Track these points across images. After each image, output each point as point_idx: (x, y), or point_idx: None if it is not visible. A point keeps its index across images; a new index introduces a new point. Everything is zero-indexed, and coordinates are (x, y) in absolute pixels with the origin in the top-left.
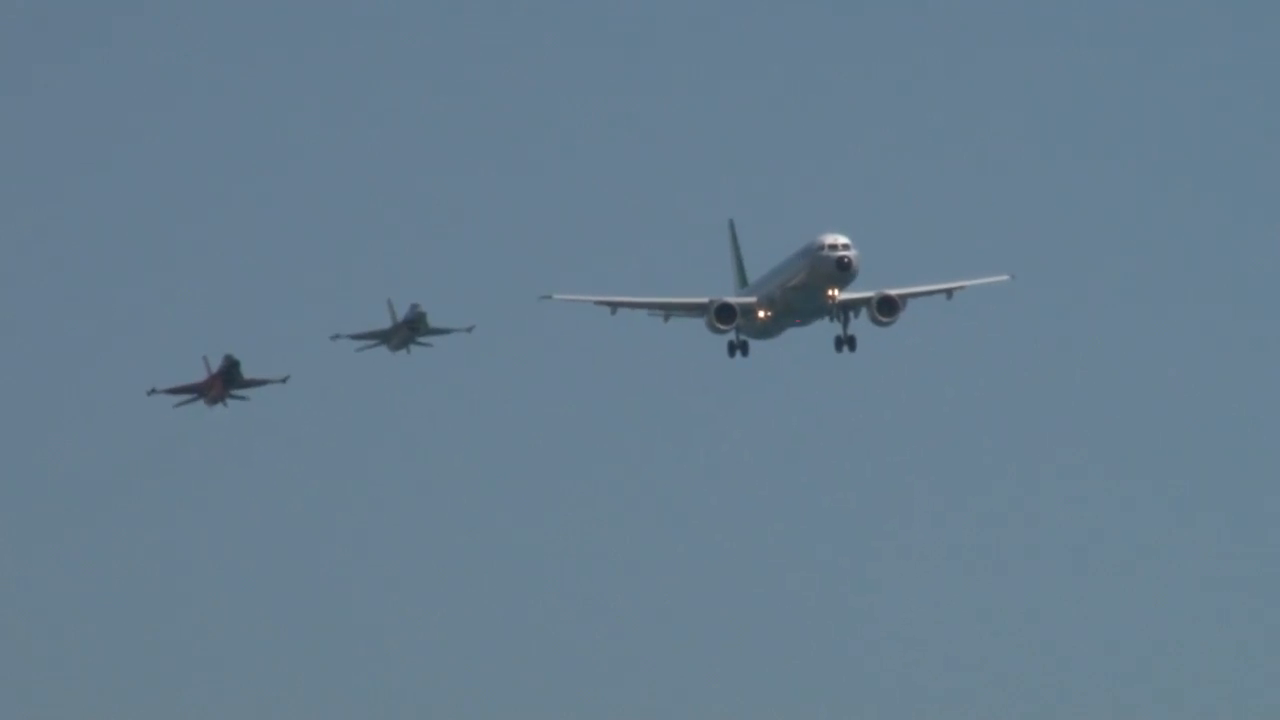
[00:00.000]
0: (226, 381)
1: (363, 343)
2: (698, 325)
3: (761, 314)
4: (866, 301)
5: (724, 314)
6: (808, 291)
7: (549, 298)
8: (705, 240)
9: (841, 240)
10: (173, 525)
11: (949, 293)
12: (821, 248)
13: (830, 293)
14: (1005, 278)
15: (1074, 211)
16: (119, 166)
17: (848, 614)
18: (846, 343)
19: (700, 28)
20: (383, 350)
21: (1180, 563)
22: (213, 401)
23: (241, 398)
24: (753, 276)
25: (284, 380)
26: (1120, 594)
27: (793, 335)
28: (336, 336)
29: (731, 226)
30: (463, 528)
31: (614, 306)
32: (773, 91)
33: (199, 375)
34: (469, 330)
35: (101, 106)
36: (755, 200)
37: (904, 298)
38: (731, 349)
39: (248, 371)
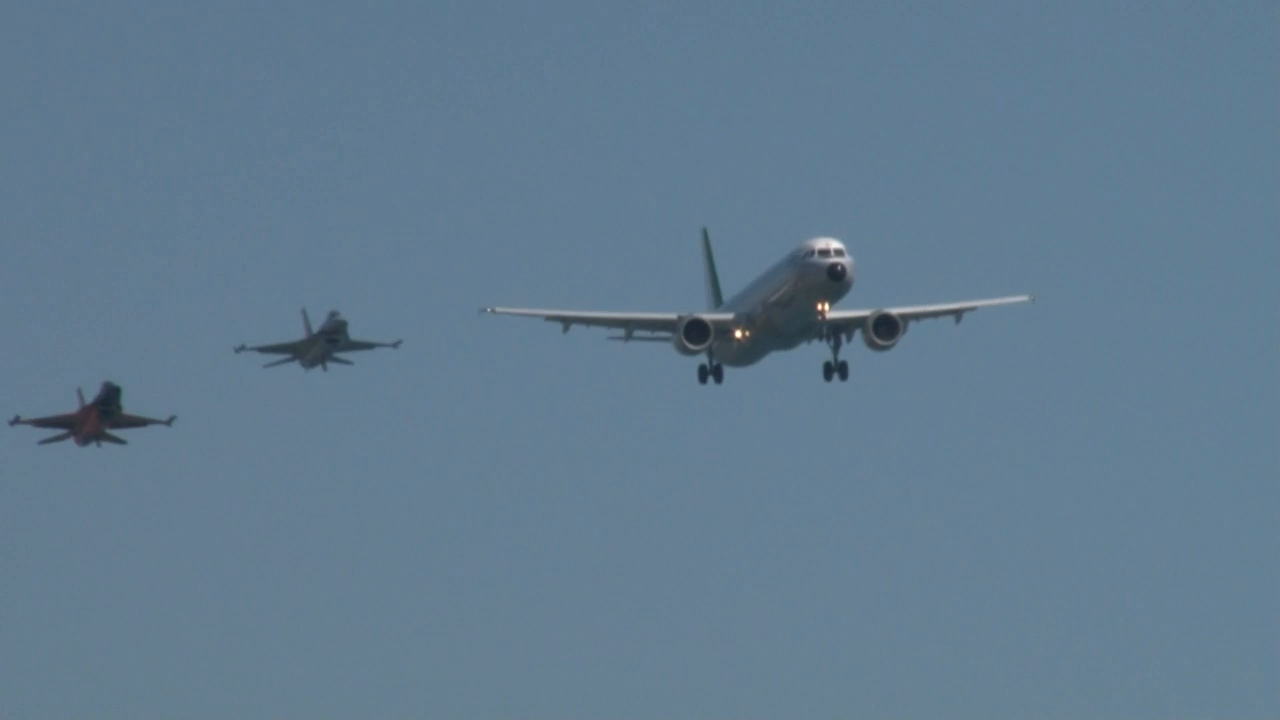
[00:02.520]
0: (103, 413)
1: (272, 357)
2: (664, 347)
3: (739, 334)
4: (861, 321)
5: (695, 332)
6: (794, 306)
7: (490, 310)
8: (675, 251)
9: (834, 245)
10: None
11: (958, 314)
12: (810, 253)
13: (820, 307)
14: (1024, 299)
15: (1103, 226)
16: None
17: (823, 661)
18: (837, 370)
19: (682, 12)
20: (295, 366)
21: (1200, 619)
22: (85, 440)
23: (118, 440)
24: (729, 292)
25: (169, 422)
26: (1134, 660)
27: (774, 360)
28: (242, 348)
29: (705, 236)
30: (380, 573)
31: (566, 322)
32: (759, 85)
33: (70, 406)
34: (395, 345)
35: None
36: (734, 206)
37: (905, 318)
38: (703, 374)
39: (132, 404)
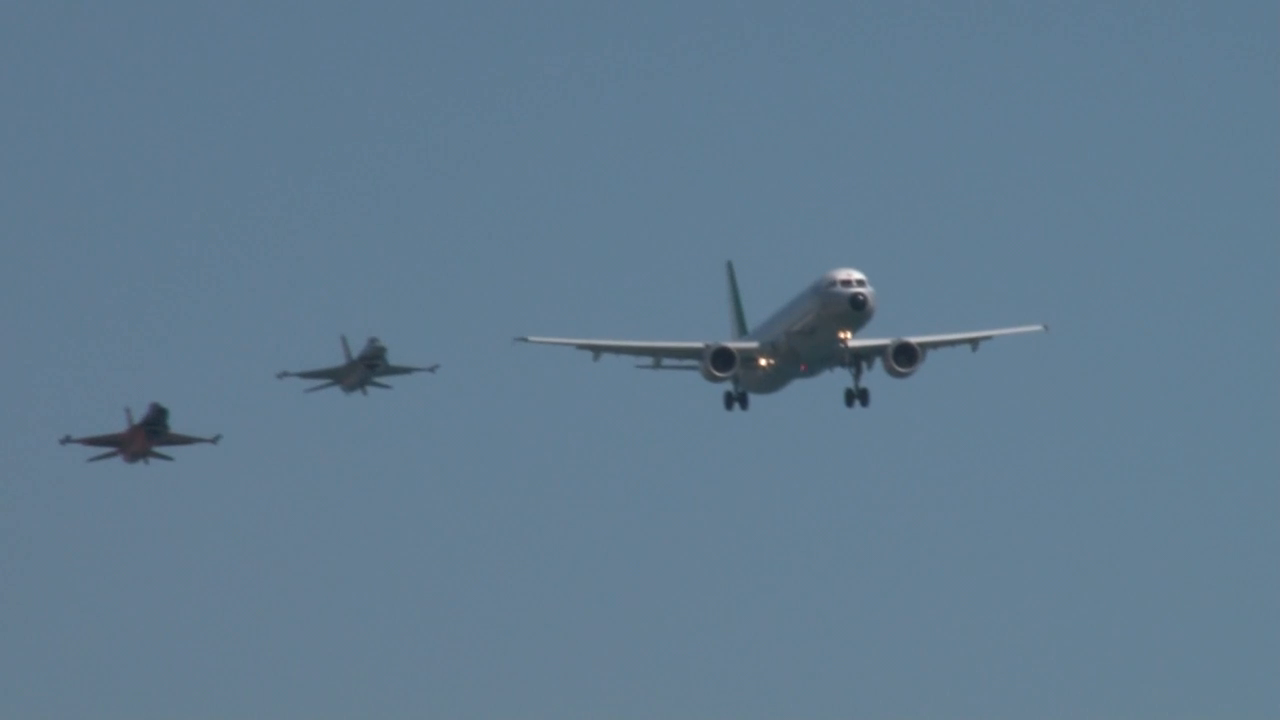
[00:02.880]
0: (151, 433)
1: (314, 382)
2: (690, 376)
3: (764, 361)
4: (882, 350)
5: (721, 360)
6: (817, 335)
7: (524, 340)
8: (701, 284)
9: (855, 275)
10: (76, 601)
11: (974, 343)
12: (833, 284)
13: (842, 335)
14: (1038, 328)
15: (1116, 256)
16: (46, 196)
17: (846, 683)
18: (858, 396)
19: (707, 46)
20: (336, 391)
21: (1213, 643)
22: (133, 457)
23: (166, 457)
24: (753, 323)
25: (215, 440)
26: (1148, 668)
27: (798, 387)
28: (284, 374)
29: (730, 269)
30: (415, 591)
31: (597, 351)
32: (781, 123)
33: (120, 426)
34: (432, 370)
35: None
36: (757, 240)
37: (924, 347)
38: (729, 401)
39: (178, 424)
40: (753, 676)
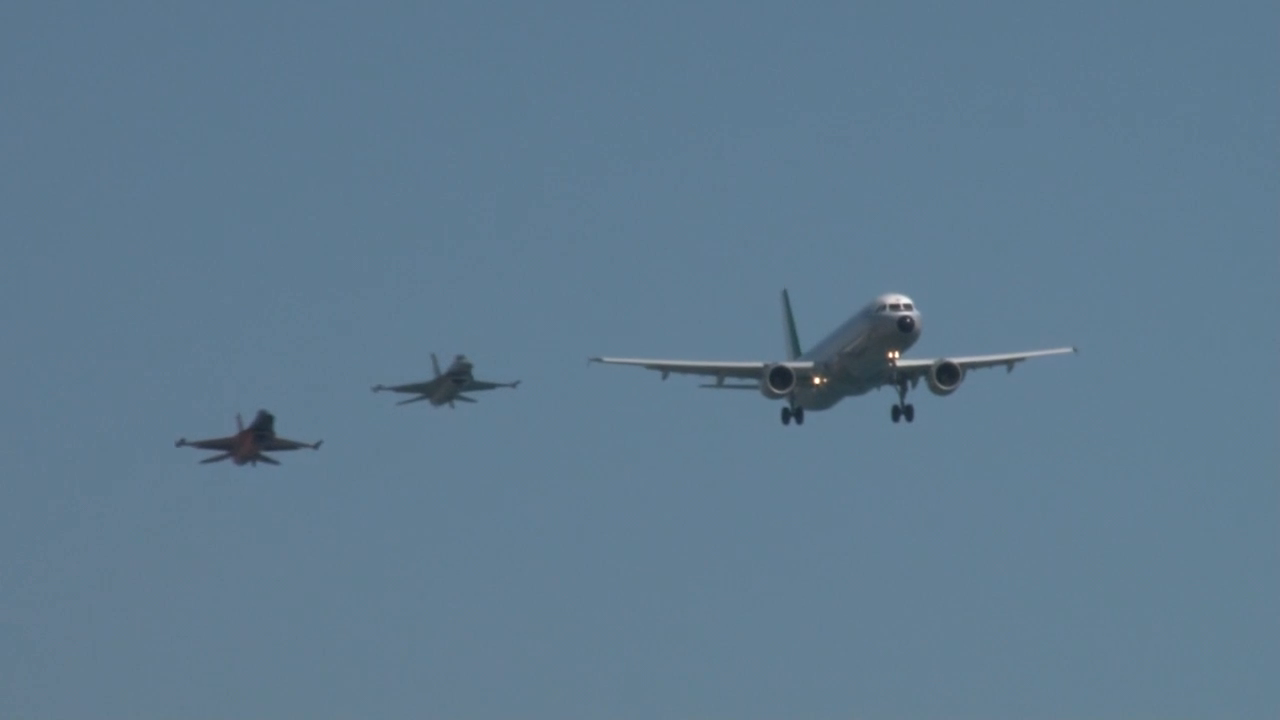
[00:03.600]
0: (259, 438)
1: (405, 396)
2: (750, 396)
3: (818, 380)
4: (926, 369)
5: (780, 379)
6: (867, 356)
7: (599, 360)
8: (758, 311)
9: (904, 300)
10: (190, 593)
11: (1010, 364)
12: (883, 308)
13: (890, 355)
14: (1068, 350)
15: (1142, 282)
16: (156, 211)
17: (896, 688)
18: (904, 412)
19: (760, 87)
20: (424, 405)
21: (1245, 645)
22: (242, 460)
23: (272, 460)
24: (806, 345)
25: (316, 446)
26: (1174, 673)
27: (848, 404)
28: (379, 388)
29: (785, 297)
30: (499, 591)
31: (665, 370)
32: (829, 158)
33: (230, 430)
34: (514, 386)
35: (136, 149)
36: (809, 269)
37: (964, 367)
38: (785, 416)
39: (282, 429)
40: (803, 678)
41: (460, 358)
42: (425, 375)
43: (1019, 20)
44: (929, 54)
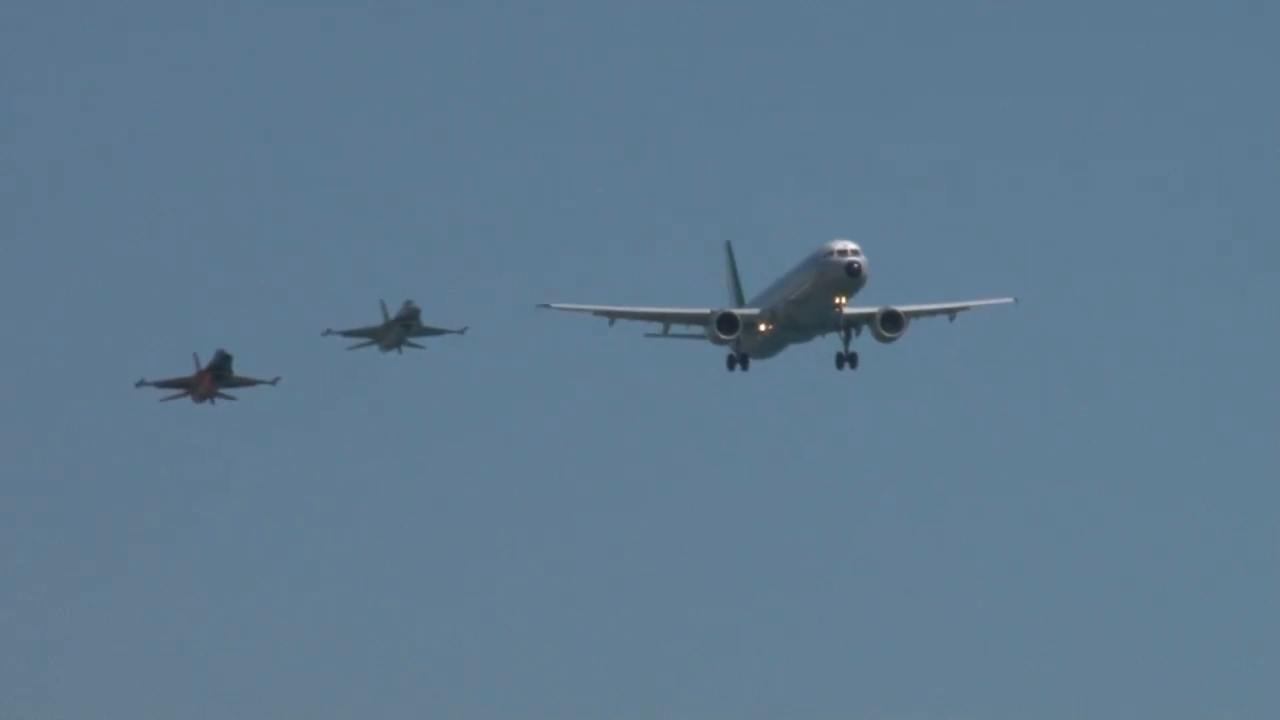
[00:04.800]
0: (216, 377)
1: (354, 340)
2: (696, 344)
3: (763, 327)
4: (870, 317)
5: (726, 324)
6: (814, 302)
7: (547, 306)
8: (702, 262)
9: (850, 246)
10: (150, 528)
11: (951, 314)
12: (830, 253)
13: (837, 301)
14: (1009, 300)
15: (1080, 232)
16: (111, 159)
17: (841, 632)
18: (848, 359)
19: (707, 36)
20: (373, 350)
21: (1184, 585)
22: (200, 398)
23: (230, 397)
24: (750, 296)
25: (274, 382)
26: (1120, 614)
27: (792, 351)
28: (328, 332)
29: (729, 248)
30: (448, 537)
31: (612, 317)
32: (776, 107)
33: (188, 370)
34: (461, 332)
35: (91, 100)
36: (754, 221)
37: (908, 315)
38: (731, 363)
39: (239, 368)
40: (756, 639)
41: (408, 303)
42: (374, 320)
43: None
44: (873, 5)
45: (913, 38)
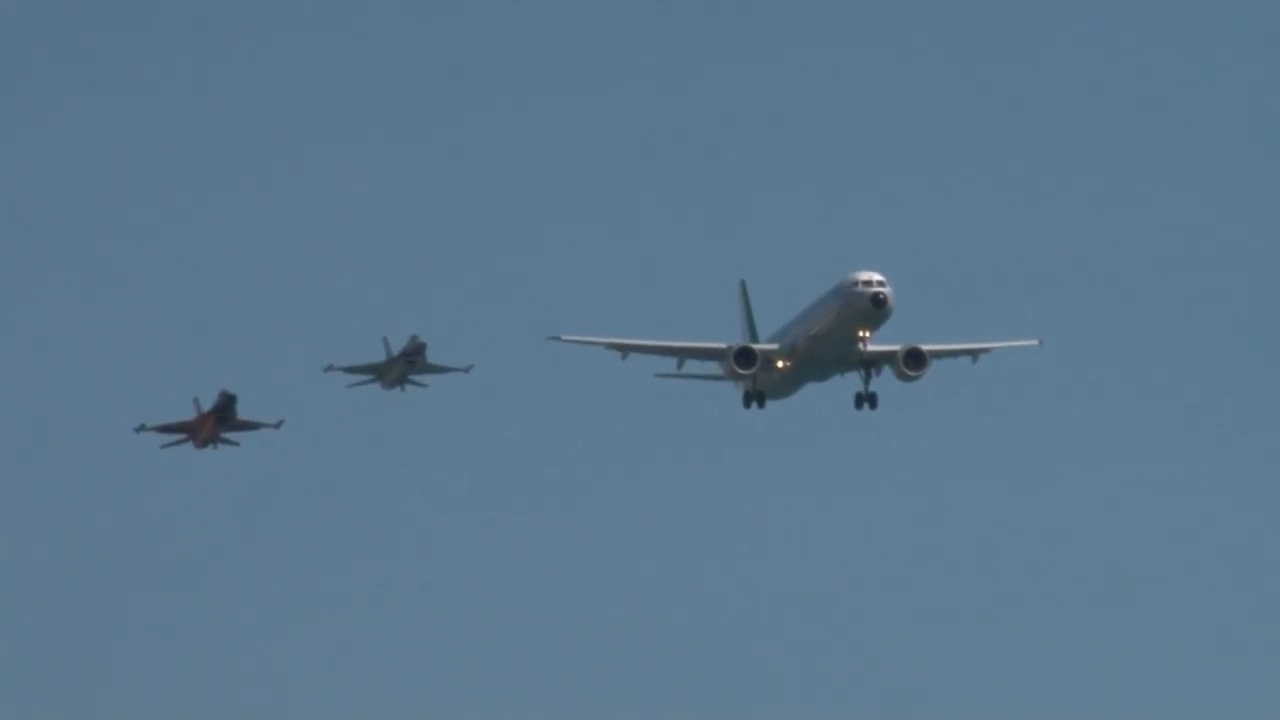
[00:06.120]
0: (220, 419)
1: (356, 378)
2: (708, 385)
3: (781, 364)
4: (892, 355)
5: (744, 358)
6: (836, 336)
7: (557, 339)
8: (714, 302)
9: (876, 276)
10: (152, 574)
11: (975, 355)
12: (854, 284)
13: (861, 335)
14: (1034, 342)
15: (1109, 276)
16: (109, 193)
17: (858, 676)
18: (867, 399)
19: (724, 64)
20: (376, 388)
21: (1218, 632)
22: (203, 443)
23: (232, 442)
24: (764, 334)
25: (278, 425)
26: (1142, 664)
27: (810, 391)
28: (330, 368)
29: (743, 287)
30: (454, 575)
31: (625, 350)
32: (796, 144)
33: (189, 414)
34: (467, 370)
35: (90, 120)
36: (770, 259)
37: (932, 354)
38: (748, 399)
39: (242, 410)
40: (765, 661)
41: (414, 337)
42: (378, 357)
43: (986, 7)
44: (897, 39)
45: (948, 66)
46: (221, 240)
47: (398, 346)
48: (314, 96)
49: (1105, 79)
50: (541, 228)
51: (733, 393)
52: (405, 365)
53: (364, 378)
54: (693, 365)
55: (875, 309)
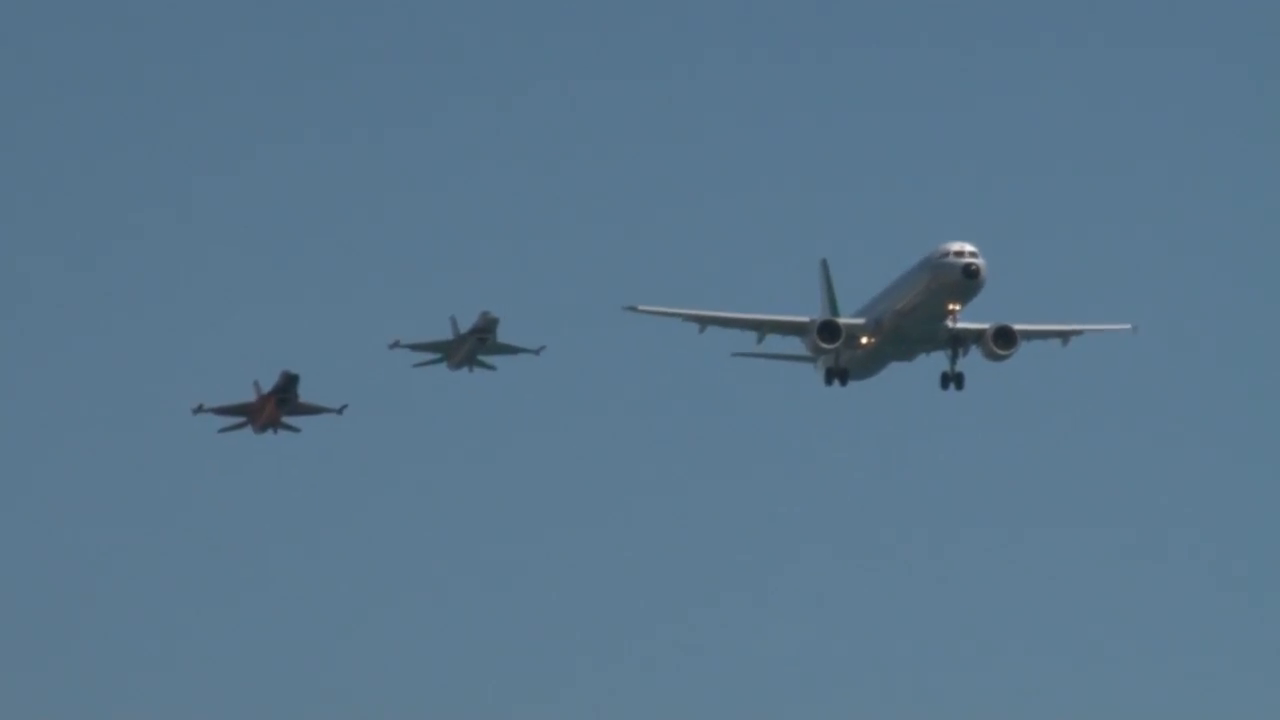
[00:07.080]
0: (280, 402)
1: (422, 355)
2: (789, 365)
3: (865, 340)
4: (981, 333)
5: (828, 332)
6: (925, 311)
7: (634, 309)
8: (794, 281)
9: (968, 247)
10: (204, 558)
11: (1065, 337)
12: (945, 255)
13: (951, 308)
14: (1127, 327)
15: (1206, 261)
16: (167, 167)
17: (939, 662)
18: (954, 379)
19: (809, 47)
20: (441, 369)
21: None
22: (261, 428)
23: (293, 428)
24: (846, 312)
25: (340, 410)
26: (1248, 656)
27: (894, 371)
28: (396, 344)
29: (824, 266)
30: (527, 561)
31: (703, 323)
32: (880, 119)
33: (248, 395)
34: (537, 352)
35: (139, 107)
36: (854, 236)
37: (1022, 333)
38: (829, 376)
39: (305, 393)
40: (842, 644)
41: (485, 313)
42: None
43: None
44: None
45: (1042, 42)
46: (285, 216)
47: (466, 326)
48: (384, 66)
49: (1218, 64)
50: (620, 204)
51: (812, 373)
52: (475, 343)
53: (430, 355)
54: (771, 345)
55: (967, 280)
